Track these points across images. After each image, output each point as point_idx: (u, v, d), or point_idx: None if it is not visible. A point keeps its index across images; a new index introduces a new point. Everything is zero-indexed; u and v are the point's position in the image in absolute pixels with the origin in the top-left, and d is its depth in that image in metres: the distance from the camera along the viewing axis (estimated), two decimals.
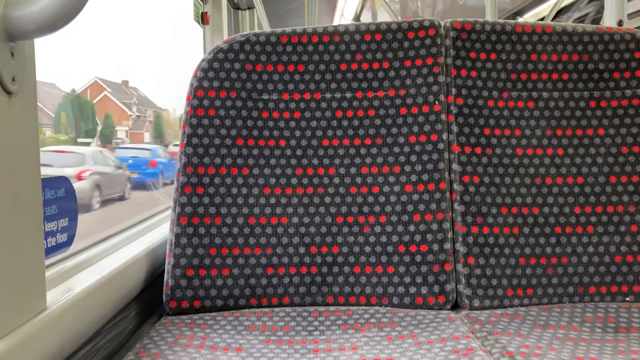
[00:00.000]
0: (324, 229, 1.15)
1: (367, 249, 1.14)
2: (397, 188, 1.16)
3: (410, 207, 1.15)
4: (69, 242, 0.95)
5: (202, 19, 2.19)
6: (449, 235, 1.14)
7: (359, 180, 1.17)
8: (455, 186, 1.16)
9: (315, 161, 1.18)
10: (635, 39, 1.22)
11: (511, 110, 1.21)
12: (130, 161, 5.61)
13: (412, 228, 1.14)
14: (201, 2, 2.21)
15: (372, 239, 1.15)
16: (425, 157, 1.17)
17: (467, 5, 5.29)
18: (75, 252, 1.02)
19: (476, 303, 1.12)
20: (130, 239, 1.28)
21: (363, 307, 1.13)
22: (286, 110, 1.19)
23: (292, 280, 1.13)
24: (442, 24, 1.22)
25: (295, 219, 1.15)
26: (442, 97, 1.19)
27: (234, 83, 1.17)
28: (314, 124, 1.19)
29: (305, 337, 0.99)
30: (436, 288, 1.12)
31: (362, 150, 1.18)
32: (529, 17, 4.38)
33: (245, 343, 0.96)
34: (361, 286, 1.14)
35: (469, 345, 0.92)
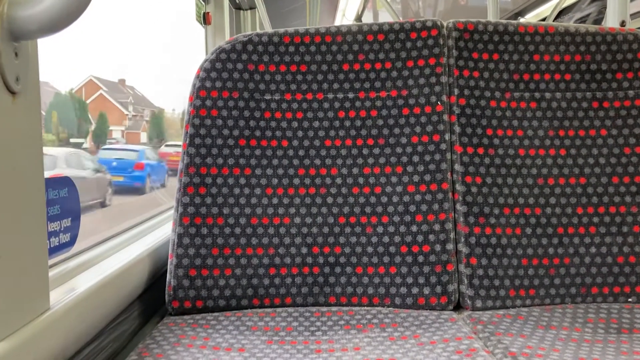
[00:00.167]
0: (326, 229, 1.15)
1: (370, 249, 1.14)
2: (399, 188, 1.16)
3: (412, 208, 1.15)
4: (71, 242, 0.95)
5: (204, 19, 2.19)
6: (452, 235, 1.14)
7: (361, 180, 1.17)
8: (458, 186, 1.16)
9: (317, 161, 1.18)
10: (637, 40, 1.22)
11: (514, 110, 1.21)
12: (114, 163, 5.24)
13: (414, 228, 1.14)
14: (203, 3, 2.21)
15: (374, 239, 1.15)
16: (427, 158, 1.17)
17: (469, 6, 5.28)
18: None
19: (478, 304, 1.12)
20: (132, 239, 1.28)
21: (365, 308, 1.13)
22: (288, 110, 1.19)
23: (295, 281, 1.13)
24: (445, 24, 1.21)
25: (297, 219, 1.15)
26: (444, 98, 1.19)
27: (236, 83, 1.17)
28: (316, 124, 1.19)
29: (308, 338, 0.99)
30: (438, 288, 1.12)
31: (365, 151, 1.18)
32: (531, 18, 4.38)
33: (247, 343, 0.96)
34: (363, 286, 1.14)
35: (471, 346, 0.92)
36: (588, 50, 1.22)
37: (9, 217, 0.66)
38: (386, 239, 1.14)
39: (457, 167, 1.17)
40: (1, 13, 0.63)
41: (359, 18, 5.57)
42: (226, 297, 1.12)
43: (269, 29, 2.86)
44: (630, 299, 1.15)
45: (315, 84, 1.19)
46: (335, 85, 1.20)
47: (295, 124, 1.18)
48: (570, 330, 1.01)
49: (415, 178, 1.16)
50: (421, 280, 1.13)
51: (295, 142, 1.18)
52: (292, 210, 1.16)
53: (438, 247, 1.13)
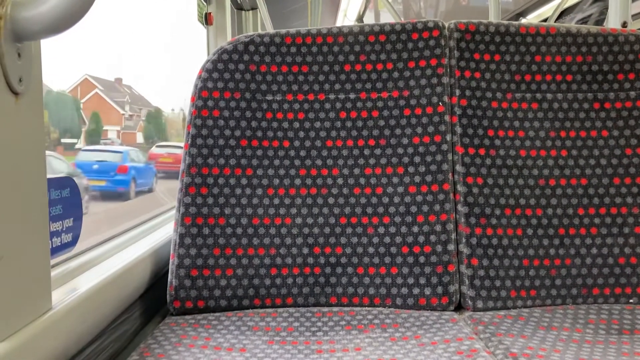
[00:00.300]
0: (327, 230, 1.15)
1: (371, 249, 1.14)
2: (400, 189, 1.16)
3: (413, 208, 1.15)
4: (73, 242, 0.95)
5: (206, 19, 2.19)
6: (453, 236, 1.14)
7: (362, 181, 1.17)
8: (459, 187, 1.16)
9: (318, 162, 1.18)
10: (639, 40, 1.22)
11: (515, 111, 1.21)
12: (95, 166, 4.78)
13: (415, 229, 1.14)
14: (205, 3, 2.21)
15: (375, 239, 1.15)
16: (428, 158, 1.17)
17: (470, 6, 5.28)
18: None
19: (479, 304, 1.12)
20: (134, 239, 1.29)
21: (366, 308, 1.13)
22: (290, 111, 1.19)
23: (296, 281, 1.14)
24: (446, 25, 1.22)
25: (298, 220, 1.15)
26: (445, 99, 1.19)
27: (238, 84, 1.17)
28: (317, 124, 1.19)
29: (309, 338, 0.99)
30: (439, 289, 1.12)
31: (366, 151, 1.18)
32: (532, 18, 4.37)
33: (248, 343, 0.96)
34: (364, 287, 1.14)
35: (472, 347, 0.92)
36: (589, 51, 1.22)
37: (12, 217, 0.66)
38: (387, 240, 1.15)
39: (458, 167, 1.17)
40: (4, 14, 0.63)
41: (360, 18, 5.58)
42: (227, 297, 1.12)
43: (270, 29, 2.86)
44: (631, 300, 1.15)
45: (316, 84, 1.20)
46: (337, 86, 1.20)
47: (296, 125, 1.18)
48: (571, 331, 1.01)
49: (417, 179, 1.16)
50: (422, 280, 1.13)
51: (296, 143, 1.18)
52: (294, 210, 1.16)
53: (439, 248, 1.14)
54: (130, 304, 1.03)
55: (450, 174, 1.17)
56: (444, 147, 1.17)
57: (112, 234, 1.24)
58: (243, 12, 2.72)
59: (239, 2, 2.62)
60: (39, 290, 0.73)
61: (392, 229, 1.15)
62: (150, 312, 1.18)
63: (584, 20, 3.91)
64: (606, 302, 1.15)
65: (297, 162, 1.17)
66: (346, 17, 5.90)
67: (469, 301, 1.12)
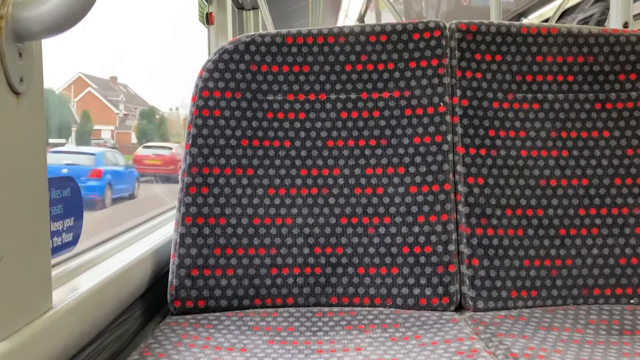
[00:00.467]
0: (328, 230, 1.15)
1: (371, 249, 1.14)
2: (401, 189, 1.16)
3: (414, 209, 1.15)
4: (74, 242, 0.95)
5: (207, 19, 2.19)
6: (453, 236, 1.14)
7: (363, 181, 1.17)
8: (460, 188, 1.16)
9: (319, 162, 1.18)
10: None
11: (516, 112, 1.21)
12: (65, 170, 4.11)
13: (416, 229, 1.14)
14: (206, 3, 2.21)
15: (376, 239, 1.15)
16: (429, 159, 1.17)
17: (472, 7, 5.28)
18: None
19: (480, 304, 1.12)
20: (135, 238, 1.29)
21: (367, 308, 1.13)
22: (291, 111, 1.19)
23: (296, 281, 1.14)
24: (447, 25, 1.22)
25: (299, 220, 1.15)
26: (446, 99, 1.19)
27: (239, 84, 1.18)
28: (318, 124, 1.19)
29: (309, 338, 0.99)
30: (440, 289, 1.12)
31: (367, 151, 1.18)
32: (534, 18, 4.37)
33: (249, 343, 0.96)
34: (365, 287, 1.14)
35: (473, 347, 0.92)
36: (590, 52, 1.22)
37: (12, 216, 0.66)
38: (388, 240, 1.15)
39: (459, 168, 1.17)
40: (5, 14, 0.63)
41: (361, 18, 5.58)
42: (228, 297, 1.12)
43: (271, 29, 2.86)
44: (632, 301, 1.15)
45: (317, 84, 1.20)
46: (338, 86, 1.20)
47: (297, 125, 1.18)
48: (572, 332, 1.01)
49: (418, 179, 1.16)
50: (423, 281, 1.13)
51: (297, 143, 1.18)
52: (294, 210, 1.16)
53: (440, 248, 1.14)
54: (130, 304, 1.04)
55: (451, 174, 1.17)
56: (445, 147, 1.17)
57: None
58: (244, 11, 2.72)
59: (240, 1, 2.62)
60: (40, 290, 0.73)
61: (393, 229, 1.15)
62: (151, 312, 1.18)
63: (585, 21, 3.91)
64: (607, 303, 1.15)
65: (297, 162, 1.17)
66: (347, 17, 5.90)
67: (470, 301, 1.12)
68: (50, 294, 0.76)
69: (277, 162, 1.17)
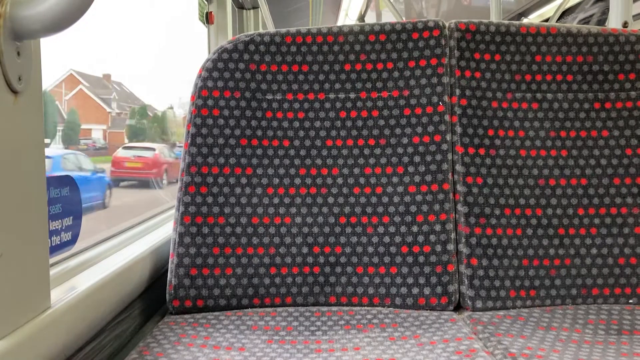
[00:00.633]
0: (327, 229, 1.15)
1: (370, 249, 1.14)
2: (400, 189, 1.16)
3: (413, 208, 1.15)
4: (73, 241, 0.95)
5: (207, 18, 2.19)
6: (452, 236, 1.14)
7: (362, 180, 1.17)
8: (459, 187, 1.16)
9: (318, 161, 1.18)
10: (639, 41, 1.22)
11: (515, 111, 1.20)
12: None
13: (415, 229, 1.14)
14: (206, 2, 2.21)
15: (375, 239, 1.15)
16: (428, 158, 1.17)
17: (472, 6, 5.28)
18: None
19: (479, 304, 1.12)
20: (134, 238, 1.29)
21: (366, 308, 1.13)
22: (290, 110, 1.19)
23: (295, 280, 1.14)
24: (447, 24, 1.21)
25: (298, 219, 1.15)
26: (446, 98, 1.19)
27: (238, 83, 1.17)
28: (317, 124, 1.19)
29: (308, 337, 0.99)
30: (439, 289, 1.12)
31: (366, 151, 1.18)
32: (534, 18, 4.37)
33: (248, 343, 0.96)
34: (364, 287, 1.14)
35: (471, 347, 0.92)
36: (590, 51, 1.22)
37: (11, 215, 0.66)
38: (387, 239, 1.14)
39: (458, 167, 1.17)
40: (4, 12, 0.63)
41: (361, 18, 5.58)
42: (227, 297, 1.12)
43: (271, 28, 2.86)
44: (631, 301, 1.15)
45: (316, 83, 1.20)
46: (337, 85, 1.20)
47: (296, 124, 1.18)
48: (570, 331, 1.00)
49: (416, 178, 1.16)
50: (421, 280, 1.13)
51: (296, 142, 1.18)
52: (293, 209, 1.16)
53: (439, 248, 1.13)
54: (129, 303, 1.04)
55: (450, 174, 1.17)
56: (444, 146, 1.17)
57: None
58: (244, 11, 2.72)
59: (240, 1, 2.62)
60: (38, 289, 0.73)
61: (392, 229, 1.15)
62: (150, 311, 1.18)
63: (585, 20, 3.91)
64: (605, 303, 1.15)
65: (296, 162, 1.17)
66: (347, 17, 5.90)
67: (468, 301, 1.12)
68: (48, 293, 0.76)
69: (276, 161, 1.17)
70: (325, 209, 1.16)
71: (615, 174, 1.19)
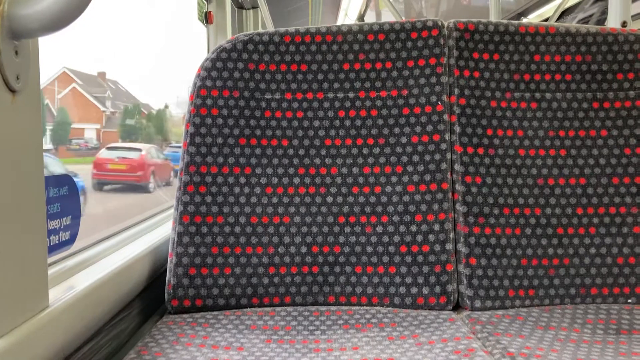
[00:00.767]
0: (325, 229, 1.15)
1: (369, 248, 1.14)
2: (399, 188, 1.16)
3: (412, 207, 1.15)
4: (71, 240, 0.95)
5: (206, 18, 2.19)
6: (451, 235, 1.14)
7: (361, 180, 1.17)
8: (458, 187, 1.16)
9: (317, 161, 1.18)
10: (638, 40, 1.22)
11: (514, 110, 1.21)
12: None
13: (414, 228, 1.14)
14: (205, 2, 2.21)
15: (373, 239, 1.15)
16: (427, 158, 1.17)
17: (472, 6, 5.28)
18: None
19: (477, 304, 1.12)
20: (133, 237, 1.29)
21: (364, 307, 1.13)
22: (289, 109, 1.19)
23: (294, 280, 1.14)
24: (445, 24, 1.21)
25: (297, 219, 1.15)
26: (444, 98, 1.19)
27: (236, 82, 1.17)
28: (316, 123, 1.19)
29: (307, 337, 0.99)
30: (437, 288, 1.12)
31: (365, 150, 1.18)
32: (534, 18, 4.37)
33: (246, 342, 0.96)
34: (362, 286, 1.14)
35: (470, 346, 0.92)
36: (589, 51, 1.22)
37: (9, 215, 0.66)
38: (385, 239, 1.14)
39: (457, 167, 1.17)
40: (2, 11, 0.63)
41: (361, 18, 5.58)
42: (225, 296, 1.12)
43: (271, 28, 2.86)
44: (629, 300, 1.15)
45: (315, 83, 1.19)
46: (336, 85, 1.20)
47: (295, 124, 1.18)
48: (569, 331, 1.00)
49: (415, 178, 1.16)
50: (420, 280, 1.13)
51: (295, 142, 1.18)
52: (292, 209, 1.16)
53: (437, 247, 1.13)
54: (128, 303, 1.04)
55: (448, 173, 1.17)
56: (443, 146, 1.17)
57: None
58: (244, 10, 2.72)
59: (239, 1, 2.62)
60: (36, 288, 0.73)
61: (391, 228, 1.15)
62: (148, 311, 1.18)
63: (585, 20, 3.91)
64: (604, 302, 1.15)
65: (295, 161, 1.17)
66: (347, 17, 5.90)
67: (467, 301, 1.12)
68: (46, 293, 0.76)
69: (275, 160, 1.17)
70: (324, 209, 1.16)
71: (614, 173, 1.19)
